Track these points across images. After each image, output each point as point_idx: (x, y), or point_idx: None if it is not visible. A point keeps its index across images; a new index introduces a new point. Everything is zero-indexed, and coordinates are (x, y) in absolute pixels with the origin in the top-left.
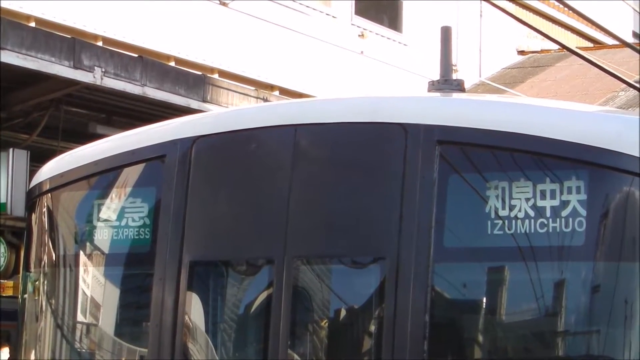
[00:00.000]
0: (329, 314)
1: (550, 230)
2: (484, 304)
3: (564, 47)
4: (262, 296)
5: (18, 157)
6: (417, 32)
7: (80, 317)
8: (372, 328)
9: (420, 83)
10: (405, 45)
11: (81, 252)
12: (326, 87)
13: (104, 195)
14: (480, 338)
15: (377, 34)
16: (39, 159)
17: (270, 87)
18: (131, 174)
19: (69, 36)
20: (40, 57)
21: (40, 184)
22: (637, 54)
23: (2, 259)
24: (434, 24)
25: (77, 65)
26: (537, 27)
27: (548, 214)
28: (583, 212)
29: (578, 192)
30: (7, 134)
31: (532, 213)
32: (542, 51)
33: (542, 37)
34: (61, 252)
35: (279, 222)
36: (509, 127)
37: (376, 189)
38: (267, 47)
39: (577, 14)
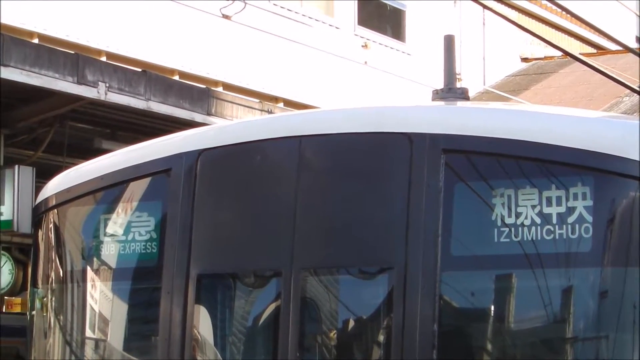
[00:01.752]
0: (338, 324)
1: (557, 236)
2: (493, 312)
3: (567, 53)
4: (270, 308)
5: (24, 174)
6: (420, 42)
7: (88, 333)
8: (381, 338)
9: (425, 92)
10: (408, 54)
11: (88, 267)
12: (330, 98)
13: (110, 209)
14: (490, 346)
15: (380, 44)
16: (44, 175)
17: (275, 99)
18: (137, 188)
19: (73, 52)
20: (44, 74)
21: (46, 200)
22: None
23: (10, 276)
24: (437, 33)
25: (81, 81)
26: (540, 34)
27: (554, 220)
28: (589, 218)
29: (584, 198)
30: (12, 150)
31: (538, 220)
32: (545, 58)
33: (545, 44)
34: (68, 268)
35: (285, 234)
36: (514, 134)
37: (382, 198)
38: (270, 59)
39: (579, 20)
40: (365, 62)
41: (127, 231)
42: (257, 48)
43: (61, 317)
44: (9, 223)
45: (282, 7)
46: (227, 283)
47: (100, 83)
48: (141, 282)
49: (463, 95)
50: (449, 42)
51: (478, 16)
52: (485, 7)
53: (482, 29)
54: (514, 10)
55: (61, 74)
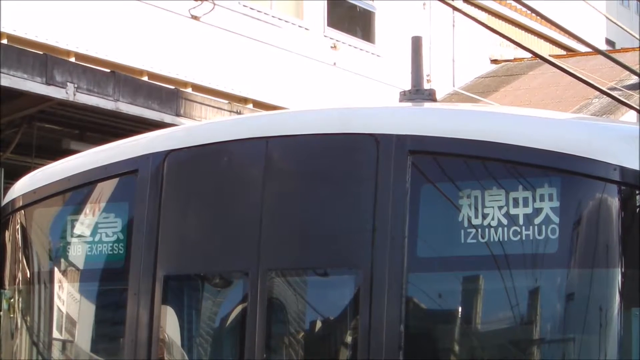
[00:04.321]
0: (304, 326)
1: (524, 237)
2: (459, 313)
3: (536, 55)
4: (237, 309)
5: None
6: (390, 43)
7: (56, 334)
8: (348, 339)
9: (394, 94)
10: (378, 56)
11: (55, 269)
12: (299, 99)
13: (78, 211)
14: (456, 347)
15: (349, 45)
16: (12, 176)
17: (244, 100)
18: (104, 189)
19: (41, 52)
20: (12, 74)
21: (13, 201)
22: (610, 61)
23: None
24: (406, 35)
25: (50, 82)
26: (510, 36)
27: (521, 221)
28: (556, 219)
29: (550, 199)
30: None
31: (505, 221)
32: (515, 60)
33: (514, 45)
34: (36, 269)
35: (252, 235)
36: (480, 135)
37: (349, 200)
38: (240, 60)
39: (549, 22)
40: (335, 64)
41: (94, 232)
42: (226, 49)
43: (28, 318)
44: None
45: (251, 9)
46: (193, 284)
47: (68, 84)
48: (108, 284)
49: (430, 96)
50: (416, 43)
51: (448, 18)
52: (454, 8)
53: (451, 30)
54: (483, 12)
55: (30, 75)
